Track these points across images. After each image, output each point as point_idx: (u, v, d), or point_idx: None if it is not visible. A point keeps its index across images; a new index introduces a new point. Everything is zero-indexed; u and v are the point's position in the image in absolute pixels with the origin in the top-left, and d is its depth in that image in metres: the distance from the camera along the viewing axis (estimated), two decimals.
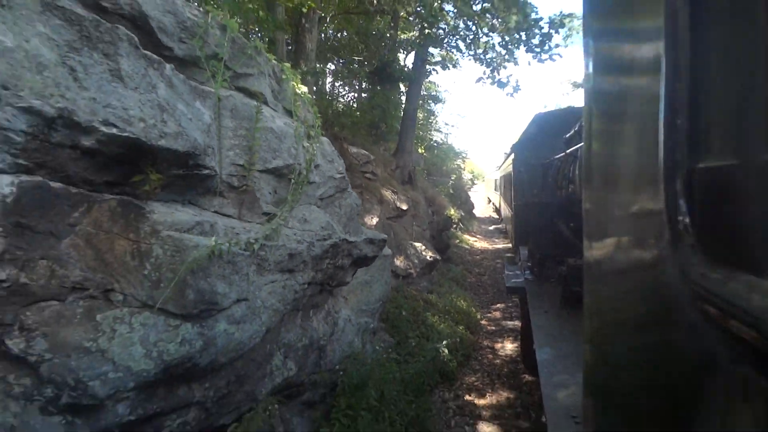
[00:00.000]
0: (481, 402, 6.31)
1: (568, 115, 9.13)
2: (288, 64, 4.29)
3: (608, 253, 1.15)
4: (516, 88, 10.51)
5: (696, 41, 0.67)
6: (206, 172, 2.84)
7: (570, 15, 10.19)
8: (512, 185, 11.11)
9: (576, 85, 29.05)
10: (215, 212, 3.17)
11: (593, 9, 1.26)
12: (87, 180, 2.33)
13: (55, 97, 2.02)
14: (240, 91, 3.55)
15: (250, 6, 5.85)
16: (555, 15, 9.79)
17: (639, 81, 0.91)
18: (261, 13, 6.18)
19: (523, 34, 9.62)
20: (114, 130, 2.23)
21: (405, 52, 11.38)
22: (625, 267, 1.01)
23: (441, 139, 27.06)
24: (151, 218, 2.47)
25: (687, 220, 0.68)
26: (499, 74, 10.89)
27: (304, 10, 7.29)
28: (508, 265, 8.75)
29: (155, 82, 2.49)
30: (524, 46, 9.86)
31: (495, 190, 27.44)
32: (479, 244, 18.68)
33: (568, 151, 6.59)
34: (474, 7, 9.83)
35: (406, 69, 11.13)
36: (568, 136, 7.16)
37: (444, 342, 6.50)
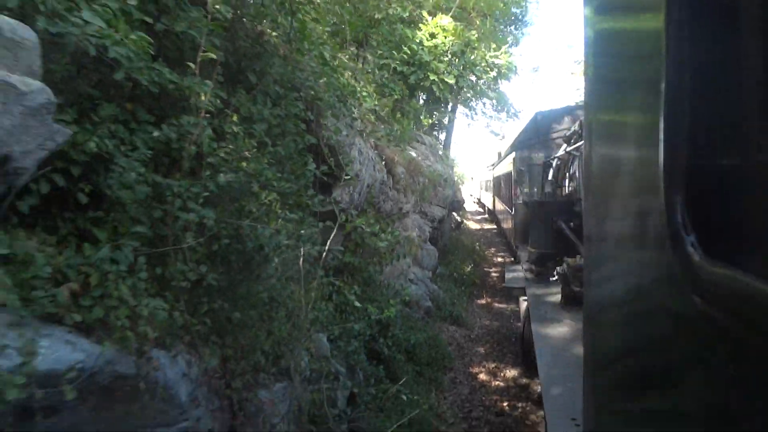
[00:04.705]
0: (491, 270, 15.99)
1: (568, 114, 9.52)
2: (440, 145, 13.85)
3: (608, 252, 1.16)
4: (503, 136, 20.45)
5: (697, 42, 0.68)
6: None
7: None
8: (512, 184, 11.76)
9: None
10: None
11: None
12: None
13: None
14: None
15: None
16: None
17: (640, 77, 0.92)
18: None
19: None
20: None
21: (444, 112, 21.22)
22: (625, 266, 1.02)
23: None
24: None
25: (687, 218, 0.67)
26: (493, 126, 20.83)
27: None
28: (509, 266, 9.30)
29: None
30: (507, 116, 19.85)
31: (481, 188, 34.51)
32: (473, 225, 28.68)
33: (568, 149, 6.65)
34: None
35: (445, 123, 21.15)
36: (568, 134, 7.20)
37: (476, 243, 16.22)
